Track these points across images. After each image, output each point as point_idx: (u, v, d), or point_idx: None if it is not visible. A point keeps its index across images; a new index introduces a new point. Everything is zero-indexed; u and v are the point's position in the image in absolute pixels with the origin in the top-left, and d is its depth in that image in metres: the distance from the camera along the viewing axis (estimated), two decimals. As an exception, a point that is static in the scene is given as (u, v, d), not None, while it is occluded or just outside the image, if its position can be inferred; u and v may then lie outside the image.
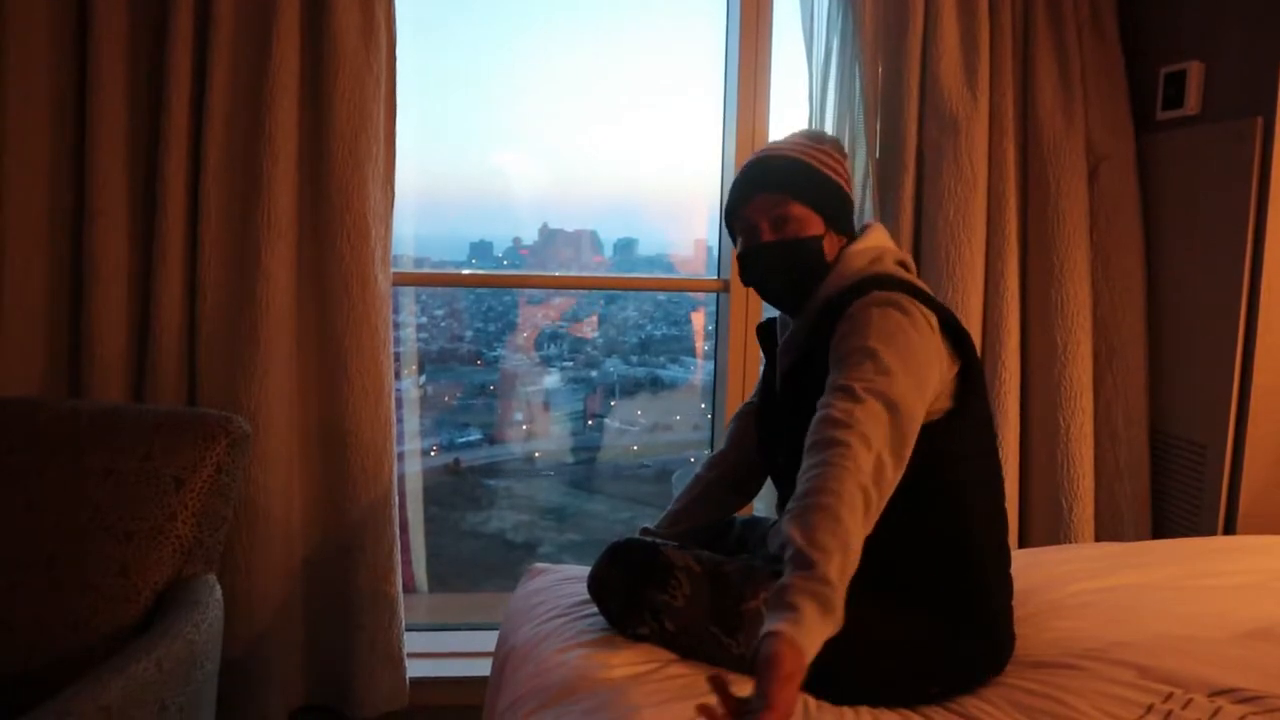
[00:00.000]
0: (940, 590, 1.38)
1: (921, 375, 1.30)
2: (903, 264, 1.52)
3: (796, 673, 1.00)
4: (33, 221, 2.10)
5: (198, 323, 2.13)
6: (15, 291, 2.09)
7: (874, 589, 1.35)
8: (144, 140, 2.12)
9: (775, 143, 1.57)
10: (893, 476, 1.21)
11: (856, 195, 2.43)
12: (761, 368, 1.74)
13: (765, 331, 1.68)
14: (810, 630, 1.04)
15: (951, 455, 1.38)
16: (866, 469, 1.16)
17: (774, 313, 1.65)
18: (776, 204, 1.47)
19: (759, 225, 1.49)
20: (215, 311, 2.13)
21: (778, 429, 1.56)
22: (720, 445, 1.82)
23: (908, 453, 1.24)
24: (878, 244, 1.52)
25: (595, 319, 3.75)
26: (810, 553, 1.08)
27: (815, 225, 1.48)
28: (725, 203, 1.58)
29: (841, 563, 1.09)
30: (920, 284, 1.47)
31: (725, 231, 1.61)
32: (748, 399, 1.83)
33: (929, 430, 1.32)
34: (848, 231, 1.53)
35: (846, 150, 2.40)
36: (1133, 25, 2.41)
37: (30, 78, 2.06)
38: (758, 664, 1.01)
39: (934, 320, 1.36)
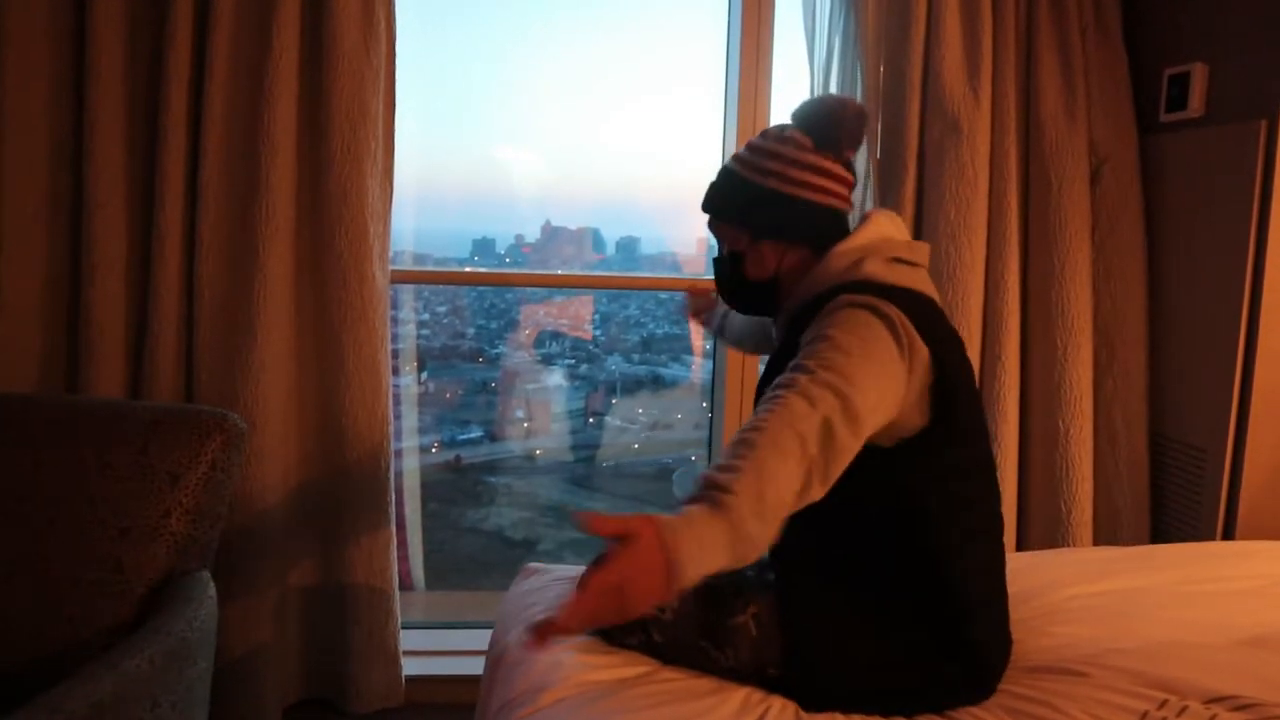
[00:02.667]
0: (925, 613, 1.34)
1: (882, 367, 1.20)
2: (899, 259, 1.39)
3: (638, 564, 0.89)
4: (30, 215, 2.10)
5: (195, 318, 2.13)
6: (13, 285, 2.10)
7: (859, 610, 1.34)
8: (142, 134, 2.12)
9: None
10: (846, 443, 1.11)
11: (856, 193, 2.41)
12: None
13: None
14: (692, 525, 0.94)
15: (933, 474, 1.31)
16: (805, 418, 1.08)
17: None
18: (711, 223, 1.52)
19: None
20: (213, 306, 2.13)
21: None
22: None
23: (864, 428, 1.15)
24: (870, 240, 1.40)
25: (596, 318, 3.75)
26: (712, 473, 1.01)
27: (737, 240, 1.49)
28: None
29: (752, 483, 1.00)
30: (909, 286, 1.36)
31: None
32: None
33: (904, 450, 1.28)
34: (800, 236, 1.43)
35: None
36: (1136, 26, 2.40)
37: (29, 71, 2.06)
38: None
39: (908, 325, 1.25)
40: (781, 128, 1.48)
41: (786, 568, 1.40)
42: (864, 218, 1.45)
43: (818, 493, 1.10)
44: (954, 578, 1.33)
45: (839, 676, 1.33)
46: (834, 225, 1.45)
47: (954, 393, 1.29)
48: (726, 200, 1.48)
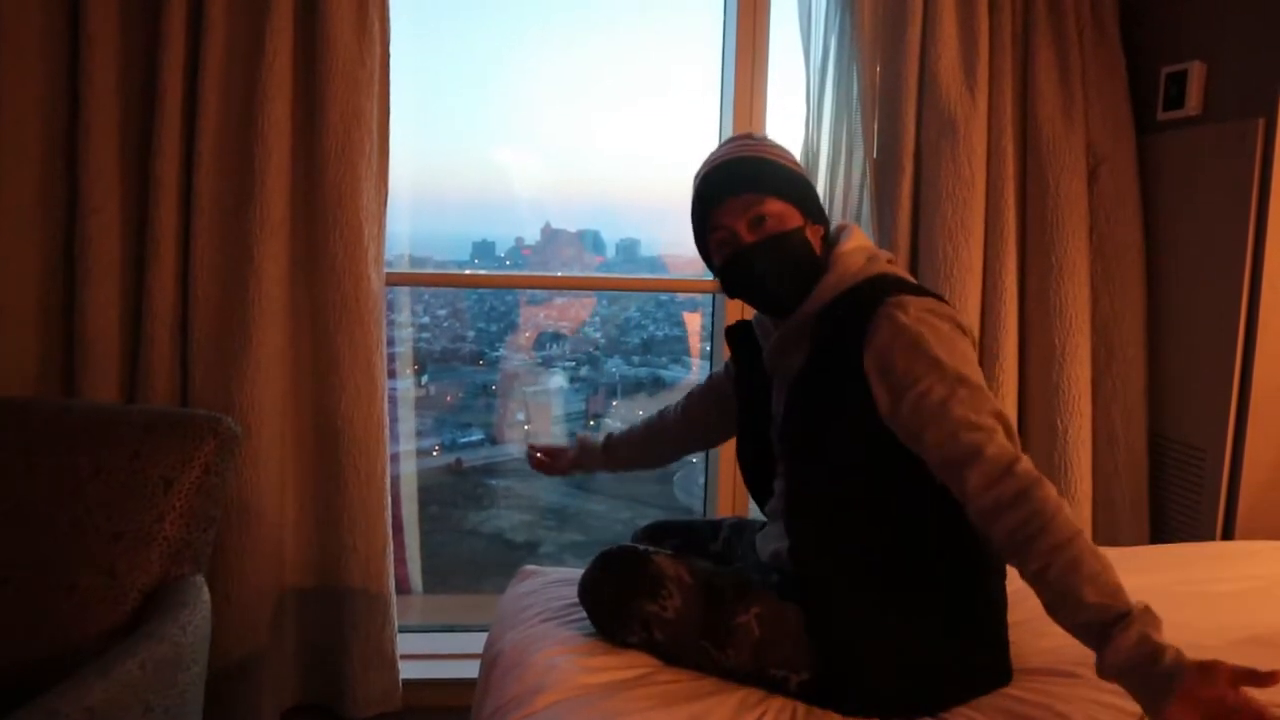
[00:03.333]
0: (955, 601, 1.37)
1: (977, 371, 1.32)
2: (890, 263, 1.48)
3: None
4: (25, 219, 2.10)
5: (190, 321, 2.13)
6: (7, 290, 2.10)
7: (887, 600, 1.35)
8: (136, 137, 2.11)
9: (716, 154, 1.50)
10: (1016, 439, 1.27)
11: (854, 196, 2.42)
12: (726, 369, 1.76)
13: (739, 334, 1.64)
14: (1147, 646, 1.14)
15: None
16: (1015, 473, 1.21)
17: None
18: (750, 204, 1.41)
19: (736, 229, 1.42)
20: (207, 309, 2.13)
21: (764, 427, 1.55)
22: (673, 413, 1.88)
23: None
24: (866, 244, 1.48)
25: (596, 320, 3.75)
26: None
27: (794, 218, 1.43)
28: (693, 220, 1.51)
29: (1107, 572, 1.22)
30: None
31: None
32: (701, 386, 1.87)
33: None
34: (824, 220, 1.50)
35: (843, 150, 2.41)
36: (1134, 25, 2.39)
37: (22, 74, 2.06)
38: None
39: (969, 328, 1.38)
40: (750, 133, 1.55)
41: (820, 574, 1.39)
42: (843, 227, 1.51)
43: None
44: (986, 563, 1.40)
45: (875, 674, 1.33)
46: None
47: None
48: (780, 180, 1.44)
